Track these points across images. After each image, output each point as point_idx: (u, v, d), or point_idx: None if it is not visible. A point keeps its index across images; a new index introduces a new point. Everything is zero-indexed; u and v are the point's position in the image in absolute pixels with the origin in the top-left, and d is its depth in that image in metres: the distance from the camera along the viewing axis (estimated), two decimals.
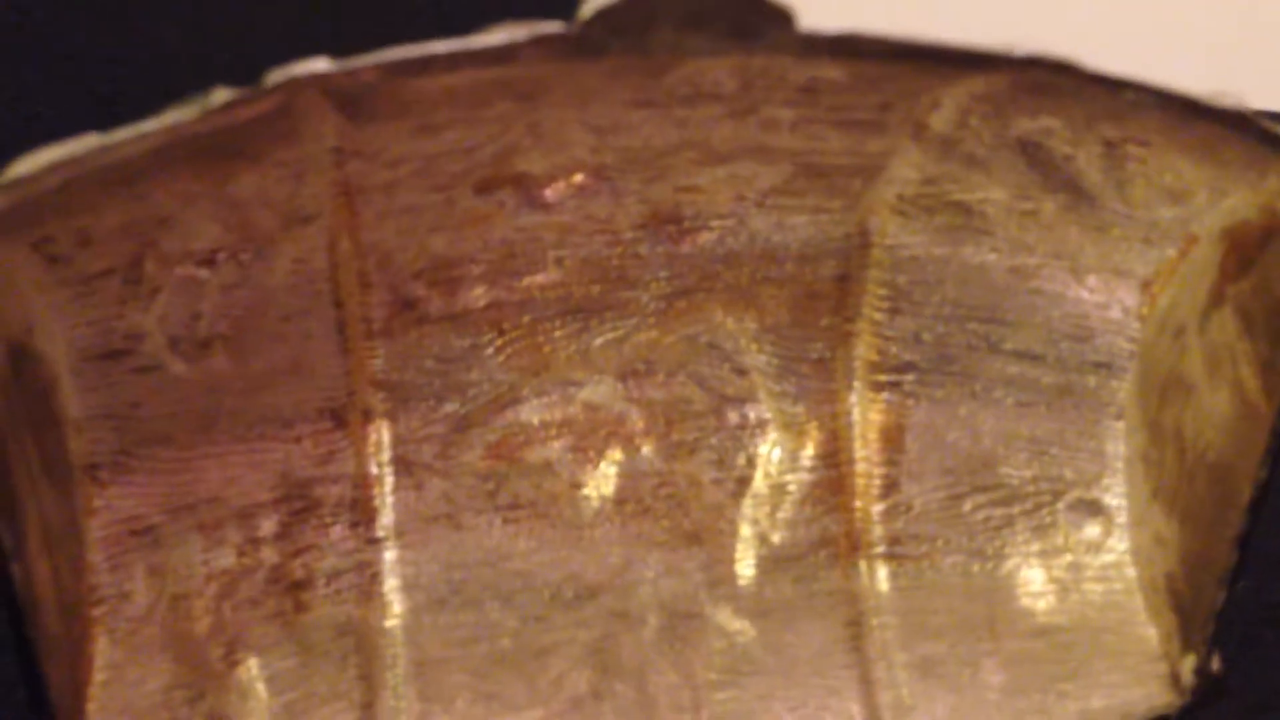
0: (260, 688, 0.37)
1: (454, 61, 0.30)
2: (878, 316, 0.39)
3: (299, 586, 0.38)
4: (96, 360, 0.34)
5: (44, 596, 0.32)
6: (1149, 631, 0.38)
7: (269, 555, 0.38)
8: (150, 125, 0.25)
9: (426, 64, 0.30)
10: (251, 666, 0.37)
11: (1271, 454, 0.32)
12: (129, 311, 0.34)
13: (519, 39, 0.29)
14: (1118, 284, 0.37)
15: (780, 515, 0.40)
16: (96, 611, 0.35)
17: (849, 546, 0.40)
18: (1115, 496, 0.39)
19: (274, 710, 0.37)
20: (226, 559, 0.37)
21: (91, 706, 0.34)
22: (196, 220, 0.33)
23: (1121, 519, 0.39)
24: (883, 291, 0.39)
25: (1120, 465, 0.39)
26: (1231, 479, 0.34)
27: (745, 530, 0.41)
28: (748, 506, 0.40)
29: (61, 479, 0.34)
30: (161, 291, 0.34)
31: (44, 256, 0.31)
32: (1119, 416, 0.39)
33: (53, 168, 0.26)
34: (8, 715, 0.35)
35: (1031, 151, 0.35)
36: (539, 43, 0.30)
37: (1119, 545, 0.39)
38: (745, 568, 0.40)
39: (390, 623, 0.38)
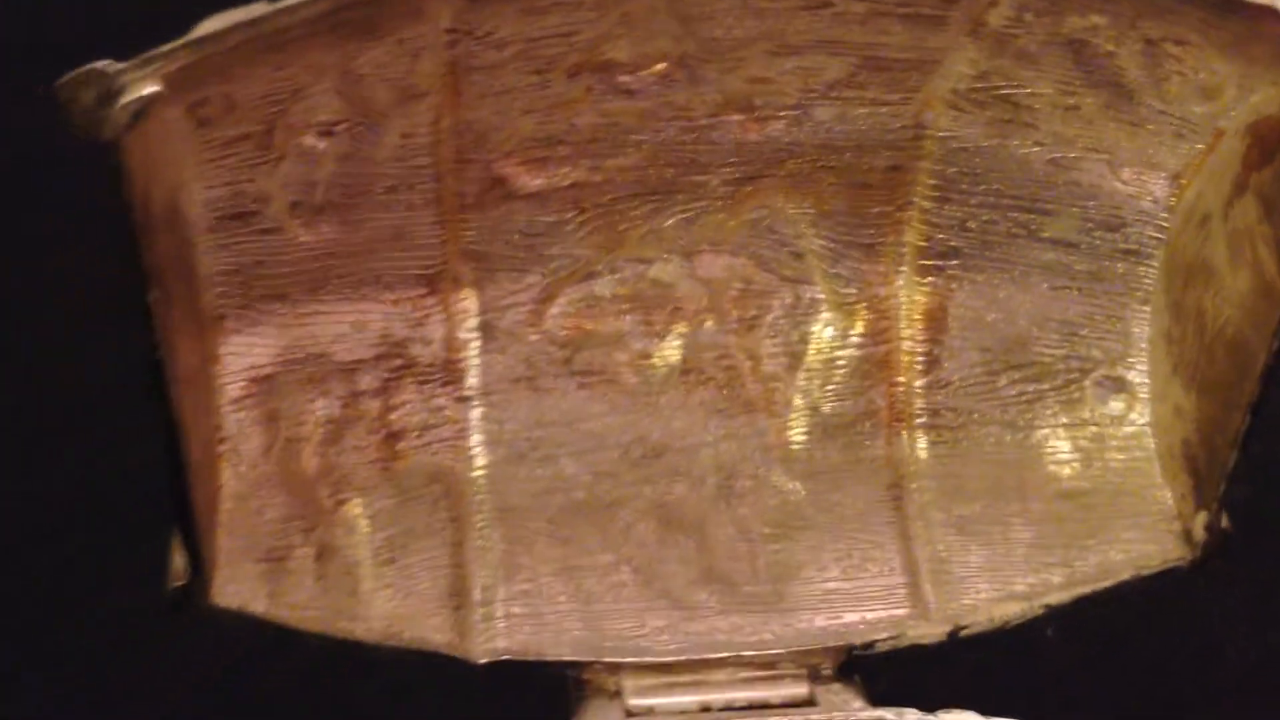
0: (363, 524, 0.41)
1: None
2: (927, 205, 0.42)
3: (395, 436, 0.42)
4: (228, 220, 0.37)
5: (189, 426, 0.35)
6: (1165, 494, 0.42)
7: (369, 407, 0.41)
8: None
9: None
10: (355, 505, 0.41)
11: None
12: (258, 176, 0.37)
13: None
14: (1150, 176, 0.41)
15: (830, 387, 0.44)
16: (222, 449, 0.39)
17: (892, 417, 0.44)
18: (1138, 373, 0.43)
19: (374, 543, 0.40)
20: (332, 408, 0.41)
21: (220, 530, 0.38)
22: (323, 93, 0.36)
23: (1143, 393, 0.43)
24: (933, 181, 0.42)
25: (1144, 345, 0.43)
26: (1247, 351, 0.38)
27: (798, 400, 0.44)
28: (801, 379, 0.44)
29: (196, 327, 0.37)
30: (286, 158, 0.37)
31: (196, 119, 0.34)
32: (1145, 300, 0.43)
33: (232, 29, 0.29)
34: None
35: (1078, 49, 0.38)
36: None
37: (1140, 417, 0.43)
38: (797, 434, 0.44)
39: (476, 473, 0.42)
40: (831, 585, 0.42)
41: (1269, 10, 0.33)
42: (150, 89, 0.29)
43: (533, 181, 0.41)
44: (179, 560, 0.36)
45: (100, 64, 0.28)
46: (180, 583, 0.36)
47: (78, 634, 0.44)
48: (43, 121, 0.28)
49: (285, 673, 0.43)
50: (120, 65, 0.29)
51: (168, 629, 0.39)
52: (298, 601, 0.39)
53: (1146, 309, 0.43)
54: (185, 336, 0.36)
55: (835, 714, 0.40)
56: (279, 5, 0.29)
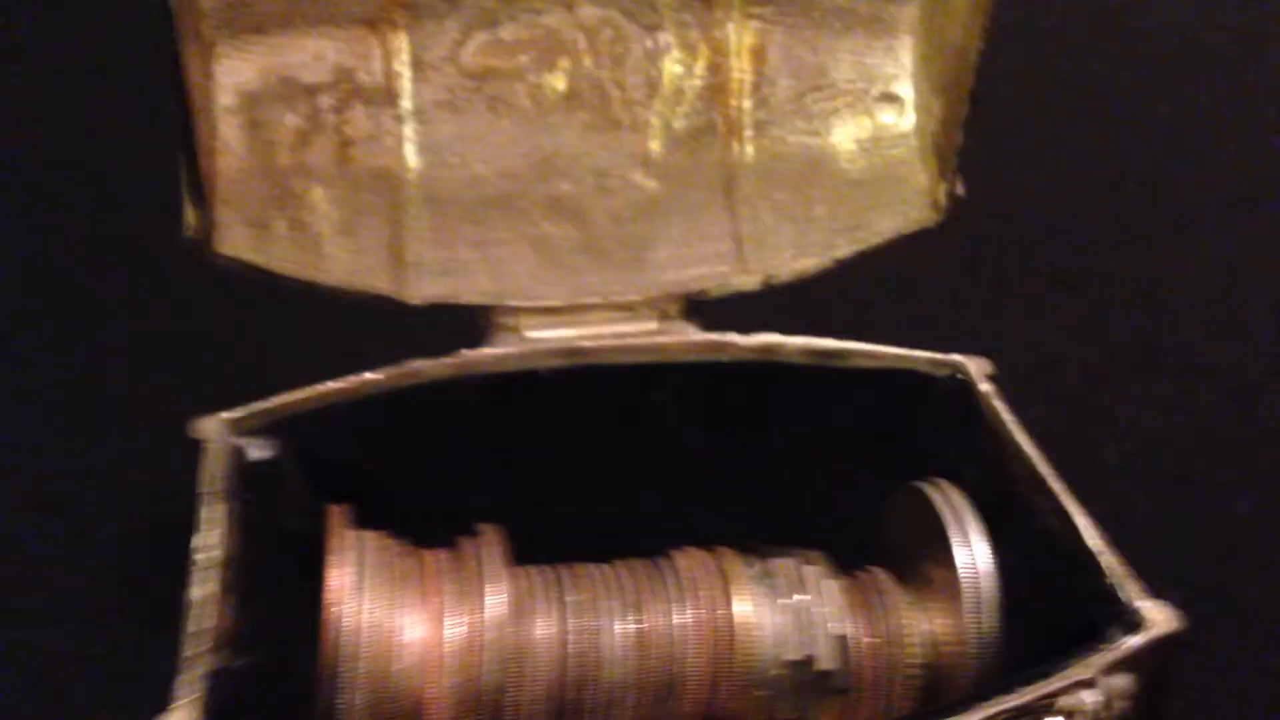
0: (325, 205, 0.55)
1: None
2: None
3: (348, 144, 0.55)
4: None
5: (197, 125, 0.49)
6: (921, 176, 0.56)
7: (328, 120, 0.55)
8: None
9: None
10: (318, 192, 0.55)
11: (986, 33, 0.50)
12: None
13: None
14: None
15: (680, 109, 0.58)
16: (217, 144, 0.53)
17: (727, 131, 0.58)
18: (905, 89, 0.57)
19: (333, 220, 0.54)
20: (300, 120, 0.54)
21: (219, 202, 0.52)
22: None
23: (909, 104, 0.57)
24: None
25: (910, 67, 0.56)
26: (966, 55, 0.51)
27: (655, 120, 0.58)
28: (658, 103, 0.58)
29: (200, 51, 0.51)
30: None
31: None
32: (910, 33, 0.56)
33: None
34: None
35: None
36: None
37: (906, 123, 0.57)
38: (655, 145, 0.58)
39: (409, 173, 0.56)
40: (678, 252, 0.56)
41: None
42: None
43: None
44: (191, 216, 0.50)
45: None
46: (193, 233, 0.50)
47: None
48: None
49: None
50: None
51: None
52: (277, 255, 0.53)
53: (911, 40, 0.56)
54: (194, 58, 0.49)
55: (677, 338, 0.55)
56: None
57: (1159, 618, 0.45)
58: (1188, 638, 0.45)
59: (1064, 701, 0.43)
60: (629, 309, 0.57)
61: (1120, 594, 0.46)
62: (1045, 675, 0.43)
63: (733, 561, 0.51)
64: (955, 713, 0.42)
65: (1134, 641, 0.44)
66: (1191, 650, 0.45)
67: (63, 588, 0.57)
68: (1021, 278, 0.69)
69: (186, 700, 0.41)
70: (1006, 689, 0.42)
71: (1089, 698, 0.44)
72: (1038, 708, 0.43)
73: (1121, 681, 0.45)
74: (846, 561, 0.53)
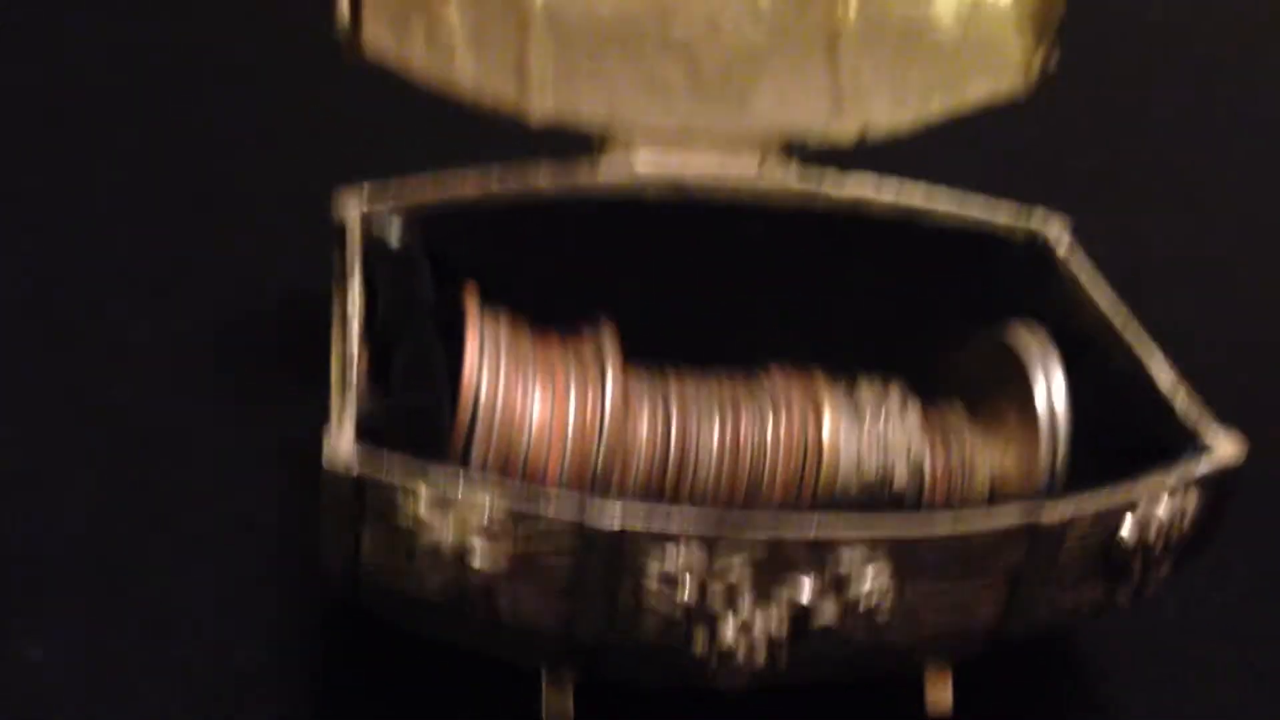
0: (456, 17, 0.57)
1: None
2: None
3: None
4: None
5: None
6: (1015, 48, 0.60)
7: None
8: None
9: None
10: (452, 5, 0.57)
11: None
12: None
13: None
14: None
15: None
16: None
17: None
18: None
19: (465, 31, 0.57)
20: None
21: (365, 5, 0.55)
22: None
23: None
24: None
25: None
26: None
27: None
28: None
29: None
30: None
31: None
32: None
33: None
34: None
35: None
36: None
37: None
38: (764, 1, 0.61)
39: (536, 3, 0.59)
40: (780, 97, 0.60)
41: None
42: None
43: None
44: (344, 8, 0.52)
45: None
46: (344, 28, 0.52)
47: None
48: None
49: None
50: None
51: None
52: (415, 57, 0.55)
53: None
54: None
55: (775, 183, 0.58)
56: None
57: (1227, 447, 0.49)
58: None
59: (1140, 508, 0.47)
60: (732, 144, 0.60)
61: (1193, 427, 0.50)
62: (1130, 482, 0.47)
63: (823, 384, 0.55)
64: (1046, 502, 0.46)
65: (1206, 464, 0.48)
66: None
67: None
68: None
69: (344, 423, 0.43)
70: (1091, 490, 0.46)
71: (1163, 508, 0.48)
72: (1116, 510, 0.47)
73: (1190, 500, 0.49)
74: (922, 395, 0.56)
